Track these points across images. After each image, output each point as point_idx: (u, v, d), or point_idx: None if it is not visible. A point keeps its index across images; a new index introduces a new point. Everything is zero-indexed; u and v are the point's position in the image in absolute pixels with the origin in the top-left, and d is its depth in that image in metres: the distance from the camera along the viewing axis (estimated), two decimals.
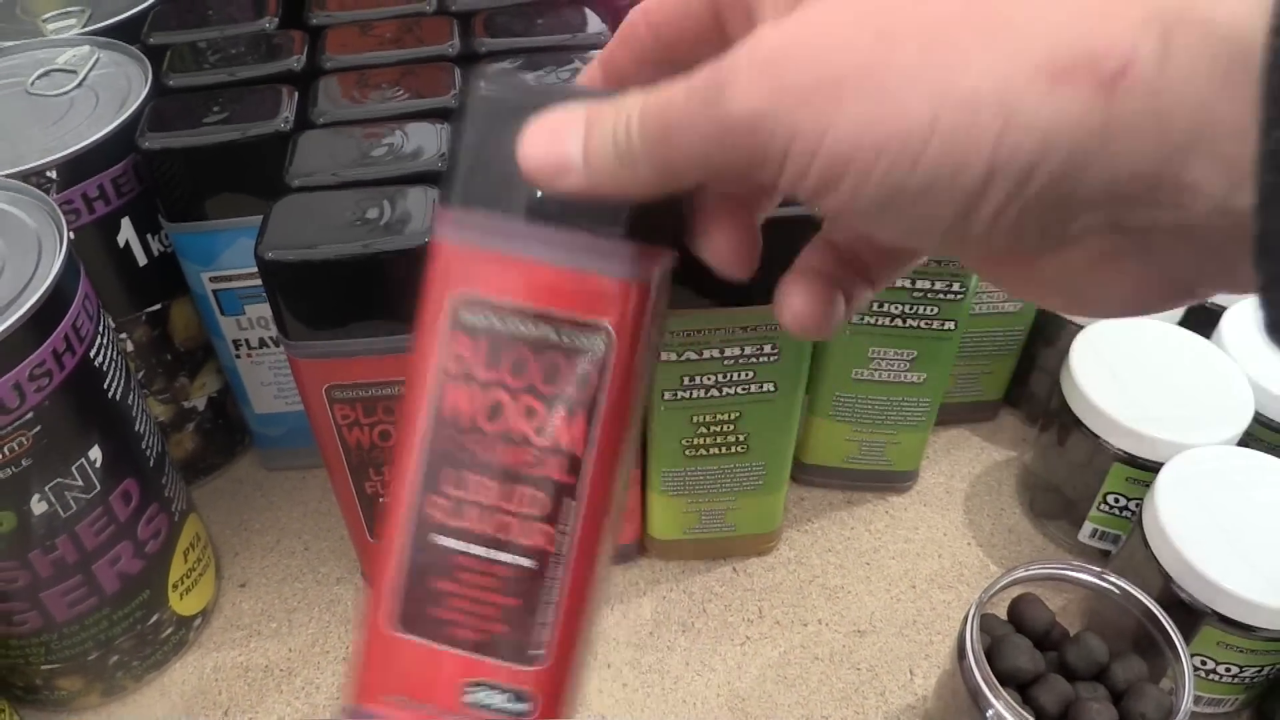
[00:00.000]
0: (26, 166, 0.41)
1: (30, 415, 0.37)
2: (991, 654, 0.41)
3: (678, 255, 0.25)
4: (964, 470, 0.55)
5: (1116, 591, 0.42)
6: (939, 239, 0.19)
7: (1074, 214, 0.18)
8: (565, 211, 0.24)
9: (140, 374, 0.49)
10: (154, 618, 0.46)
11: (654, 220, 0.23)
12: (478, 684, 0.24)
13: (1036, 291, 0.21)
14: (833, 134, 0.18)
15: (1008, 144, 0.17)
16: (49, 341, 0.37)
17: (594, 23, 0.49)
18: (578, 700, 0.25)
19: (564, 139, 0.21)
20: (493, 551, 0.24)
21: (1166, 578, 0.42)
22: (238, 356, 0.50)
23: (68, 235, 0.38)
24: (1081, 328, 0.51)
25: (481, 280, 0.25)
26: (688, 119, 0.20)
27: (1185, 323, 0.52)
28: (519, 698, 0.25)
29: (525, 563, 0.25)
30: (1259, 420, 0.47)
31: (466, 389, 0.25)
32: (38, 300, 0.36)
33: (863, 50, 0.18)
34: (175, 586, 0.46)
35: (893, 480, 0.54)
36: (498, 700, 0.24)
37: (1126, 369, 0.48)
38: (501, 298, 0.25)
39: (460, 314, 0.25)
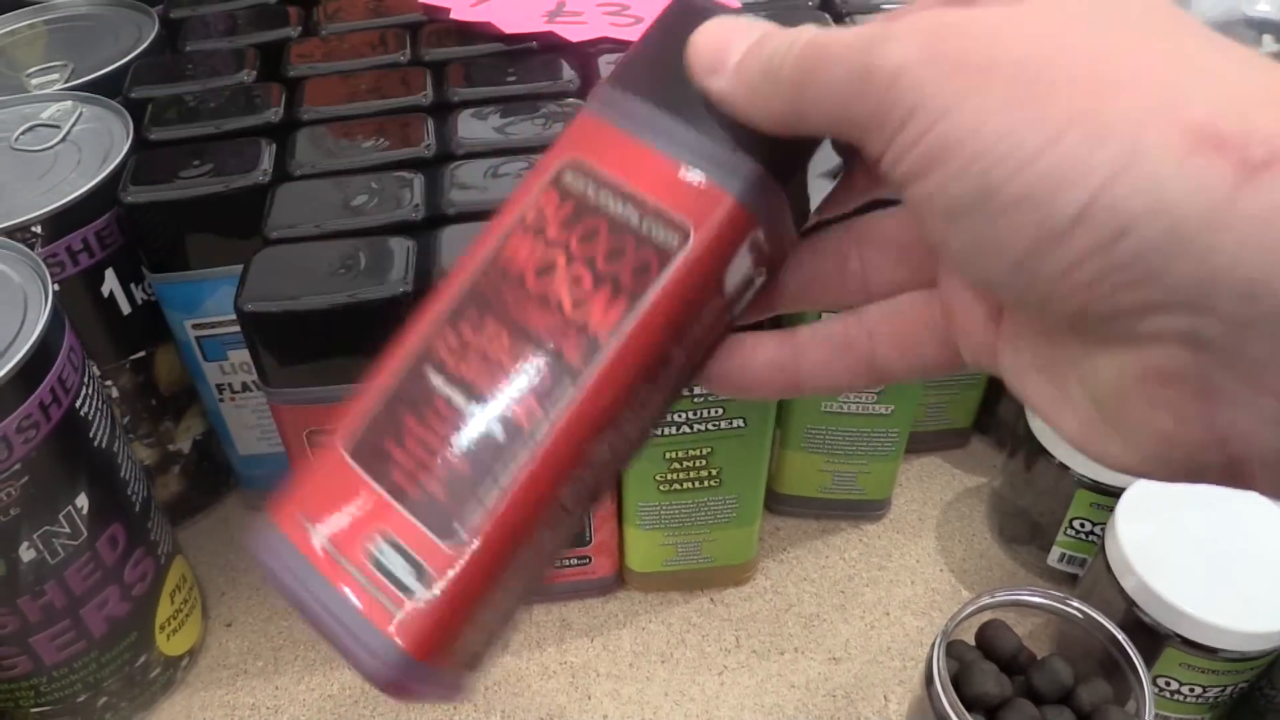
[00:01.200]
0: (12, 222, 0.42)
1: (18, 466, 0.38)
2: (960, 679, 0.42)
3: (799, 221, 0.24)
4: (936, 497, 0.57)
5: (1080, 616, 0.43)
6: (1005, 272, 0.18)
7: (1154, 303, 0.16)
8: (709, 120, 0.23)
9: (126, 419, 0.50)
10: (141, 659, 0.46)
11: (788, 163, 0.23)
12: (387, 539, 0.22)
13: (1058, 410, 0.20)
14: (959, 112, 0.17)
15: (1118, 189, 0.16)
16: (35, 395, 0.38)
17: (566, 72, 0.50)
18: (469, 649, 0.22)
19: (730, 42, 0.21)
20: (471, 404, 0.23)
21: (1129, 601, 0.43)
22: (221, 400, 0.51)
23: (53, 290, 0.39)
24: None
25: (598, 151, 0.25)
26: (840, 56, 0.19)
27: None
28: (417, 574, 0.22)
29: (495, 430, 0.23)
30: None
31: (532, 241, 0.24)
32: (24, 355, 0.37)
33: (1025, 45, 0.17)
34: (162, 628, 0.47)
35: (866, 509, 0.55)
36: (396, 566, 0.22)
37: None
38: (605, 170, 0.24)
39: (563, 175, 0.25)
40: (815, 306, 0.25)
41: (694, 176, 0.23)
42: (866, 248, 0.25)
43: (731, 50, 0.21)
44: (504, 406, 0.22)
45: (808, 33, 0.20)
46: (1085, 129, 0.16)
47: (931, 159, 0.17)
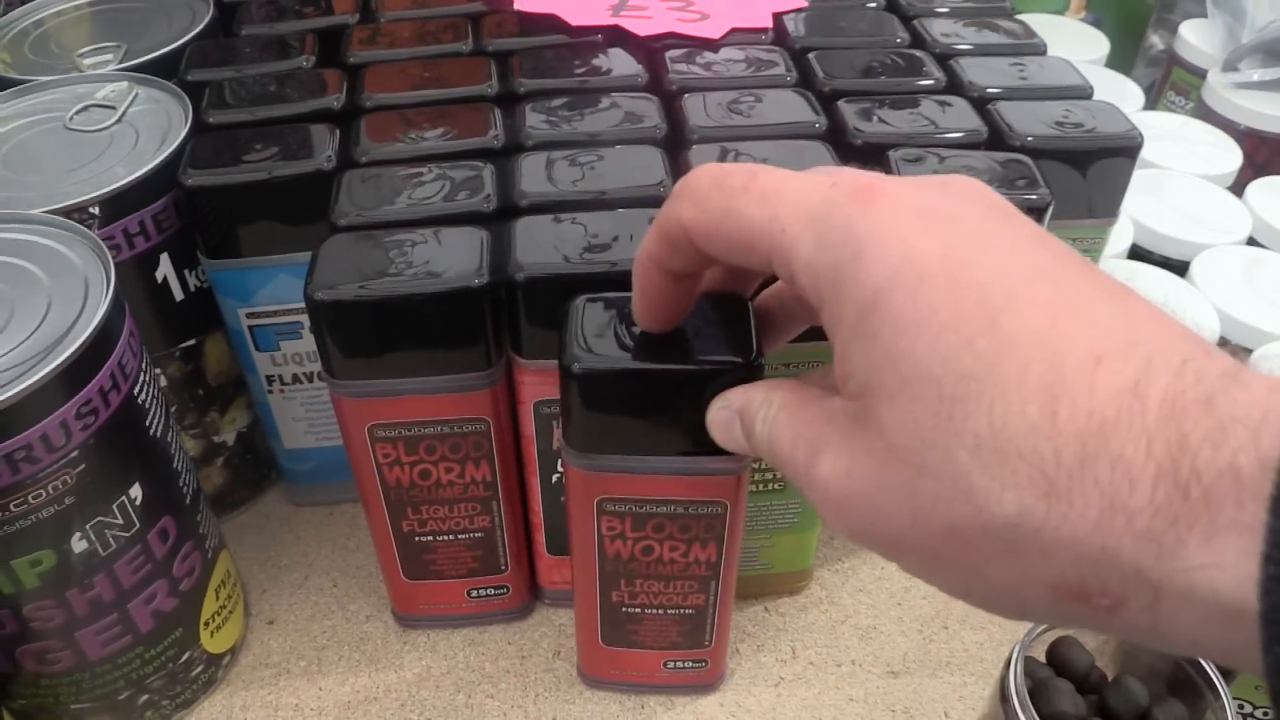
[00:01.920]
0: (70, 203, 0.41)
1: (75, 454, 0.36)
2: (1034, 697, 0.40)
3: None
4: None
5: None
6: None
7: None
8: (673, 444, 0.34)
9: (173, 409, 0.49)
10: (185, 656, 0.45)
11: None
12: (673, 660, 0.43)
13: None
14: (900, 564, 0.24)
15: (1028, 617, 0.22)
16: (96, 379, 0.36)
17: (628, 64, 0.49)
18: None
19: (735, 432, 0.30)
20: (665, 611, 0.40)
21: None
22: (270, 392, 0.50)
23: (114, 272, 0.38)
24: None
25: (617, 486, 0.36)
26: (791, 476, 0.26)
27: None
28: (698, 661, 0.44)
29: (689, 613, 0.41)
30: None
31: (621, 543, 0.38)
32: (87, 338, 0.35)
33: (904, 527, 0.22)
34: (207, 624, 0.46)
35: None
36: (687, 665, 0.44)
37: None
38: (636, 494, 0.36)
39: (605, 505, 0.37)
40: None
41: (700, 477, 0.36)
42: None
43: (740, 440, 0.30)
44: (685, 604, 0.41)
45: (765, 425, 0.27)
46: (980, 593, 0.22)
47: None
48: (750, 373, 0.31)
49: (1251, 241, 0.62)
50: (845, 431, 0.23)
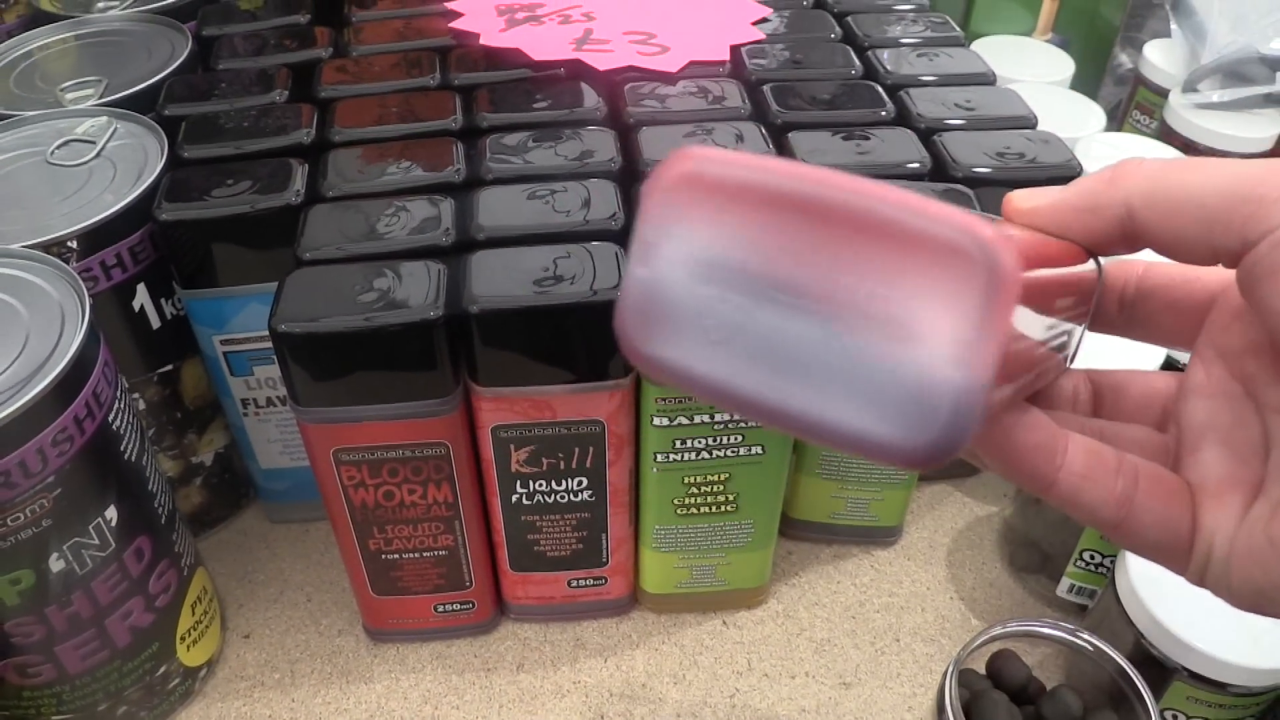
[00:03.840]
0: (49, 237, 0.43)
1: (51, 479, 0.38)
2: (970, 709, 0.42)
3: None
4: (946, 525, 0.57)
5: (1090, 648, 0.43)
6: None
7: None
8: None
9: (151, 431, 0.51)
10: (162, 669, 0.47)
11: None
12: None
13: None
14: None
15: None
16: (71, 409, 0.38)
17: (590, 98, 0.51)
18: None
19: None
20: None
21: (1138, 634, 0.44)
22: (245, 415, 0.52)
23: (89, 305, 0.40)
24: None
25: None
26: (1219, 164, 0.21)
27: None
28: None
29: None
30: None
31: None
32: (61, 370, 0.37)
33: None
34: (183, 639, 0.48)
35: (877, 535, 0.56)
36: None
37: None
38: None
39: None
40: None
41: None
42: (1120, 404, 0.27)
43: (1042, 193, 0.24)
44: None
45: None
46: None
47: None
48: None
49: None
50: None
